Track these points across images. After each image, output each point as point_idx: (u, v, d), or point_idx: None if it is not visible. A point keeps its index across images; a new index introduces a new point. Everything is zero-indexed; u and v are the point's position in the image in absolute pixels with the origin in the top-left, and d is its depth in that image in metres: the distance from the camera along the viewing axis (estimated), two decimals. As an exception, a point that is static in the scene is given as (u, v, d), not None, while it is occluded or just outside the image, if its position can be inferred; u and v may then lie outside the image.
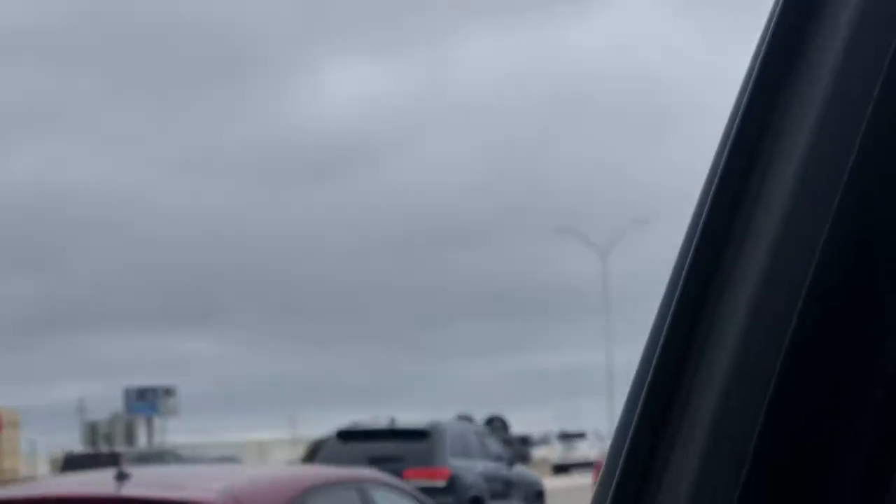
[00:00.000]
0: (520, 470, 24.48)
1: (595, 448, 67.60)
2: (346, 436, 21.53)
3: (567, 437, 75.14)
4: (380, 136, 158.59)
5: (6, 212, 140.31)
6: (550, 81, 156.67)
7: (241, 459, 55.05)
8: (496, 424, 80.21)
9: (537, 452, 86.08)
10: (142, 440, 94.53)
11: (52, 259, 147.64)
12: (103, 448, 69.11)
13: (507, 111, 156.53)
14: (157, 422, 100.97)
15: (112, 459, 31.48)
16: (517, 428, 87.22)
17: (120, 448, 64.14)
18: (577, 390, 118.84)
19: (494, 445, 24.00)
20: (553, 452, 71.05)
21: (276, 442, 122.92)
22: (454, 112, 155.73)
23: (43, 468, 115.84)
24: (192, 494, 7.32)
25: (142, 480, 7.63)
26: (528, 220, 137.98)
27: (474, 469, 20.56)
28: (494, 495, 21.01)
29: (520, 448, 77.91)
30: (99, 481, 7.79)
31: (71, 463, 35.20)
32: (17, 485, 8.17)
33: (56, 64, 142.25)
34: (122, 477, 7.24)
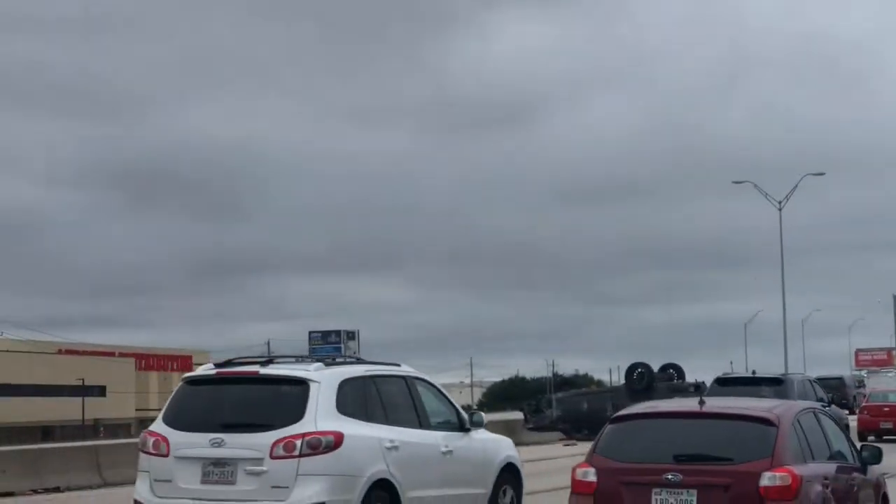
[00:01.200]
0: (835, 409, 30.16)
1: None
2: (723, 381, 28.44)
3: None
4: (552, 89, 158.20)
5: (196, 161, 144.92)
6: (724, 34, 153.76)
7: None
8: (670, 372, 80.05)
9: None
10: None
11: (242, 206, 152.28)
12: None
13: (679, 63, 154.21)
14: None
15: None
16: (691, 376, 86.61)
17: None
18: (751, 340, 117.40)
19: (819, 391, 30.23)
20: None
21: (455, 386, 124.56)
22: (625, 64, 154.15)
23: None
24: (757, 412, 11.60)
25: (717, 404, 12.01)
26: (703, 172, 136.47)
27: None
28: None
29: (696, 395, 77.69)
30: (688, 403, 12.23)
31: None
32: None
33: (238, 18, 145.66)
34: (701, 402, 11.75)
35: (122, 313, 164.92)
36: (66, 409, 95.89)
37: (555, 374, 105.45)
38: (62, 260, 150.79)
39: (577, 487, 11.55)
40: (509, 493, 15.63)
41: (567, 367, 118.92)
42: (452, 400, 15.50)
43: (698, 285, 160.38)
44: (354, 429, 13.02)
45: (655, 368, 75.71)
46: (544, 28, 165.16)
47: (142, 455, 13.18)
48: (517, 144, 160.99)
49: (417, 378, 14.95)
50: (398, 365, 14.95)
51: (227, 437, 12.67)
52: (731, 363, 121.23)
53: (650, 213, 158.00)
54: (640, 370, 72.88)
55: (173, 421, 13.18)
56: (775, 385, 27.37)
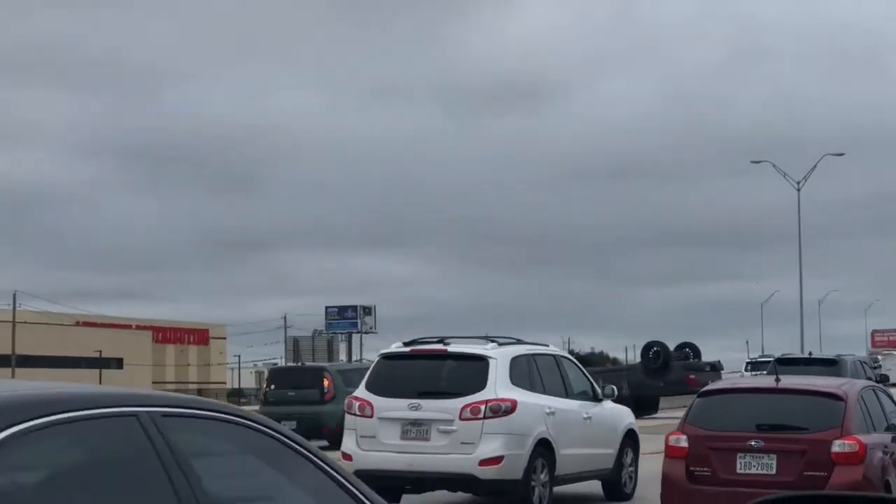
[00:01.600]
0: (882, 387, 34.68)
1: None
2: (782, 361, 30.32)
3: (756, 365, 76.27)
4: (570, 67, 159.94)
5: (212, 137, 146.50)
6: (742, 13, 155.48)
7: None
8: (686, 351, 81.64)
9: (727, 379, 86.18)
10: (341, 356, 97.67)
11: (258, 182, 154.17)
12: (305, 363, 72.89)
13: (697, 42, 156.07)
14: (355, 339, 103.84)
15: (316, 373, 32.97)
16: (707, 355, 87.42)
17: (321, 363, 67.13)
18: (767, 320, 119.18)
19: (868, 371, 32.71)
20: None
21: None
22: (641, 46, 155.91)
23: (247, 381, 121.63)
24: (827, 388, 13.47)
25: (791, 381, 14.11)
26: (721, 152, 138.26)
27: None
28: None
29: (712, 374, 79.53)
30: (766, 381, 14.22)
31: (276, 376, 35.35)
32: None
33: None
34: (777, 380, 13.70)
35: (139, 286, 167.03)
36: (83, 381, 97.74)
37: (570, 352, 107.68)
38: (80, 233, 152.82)
39: (671, 452, 13.43)
40: (630, 453, 18.67)
41: (583, 345, 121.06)
42: (588, 375, 18.53)
43: (715, 265, 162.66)
44: (524, 397, 16.00)
45: (671, 347, 77.38)
46: (562, 7, 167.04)
47: (348, 416, 15.96)
48: (534, 122, 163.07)
49: (563, 356, 18.16)
50: (547, 345, 18.11)
51: (423, 402, 15.65)
52: (748, 343, 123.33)
53: (667, 192, 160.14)
54: (655, 349, 74.57)
55: (375, 388, 16.19)
56: (830, 365, 29.55)
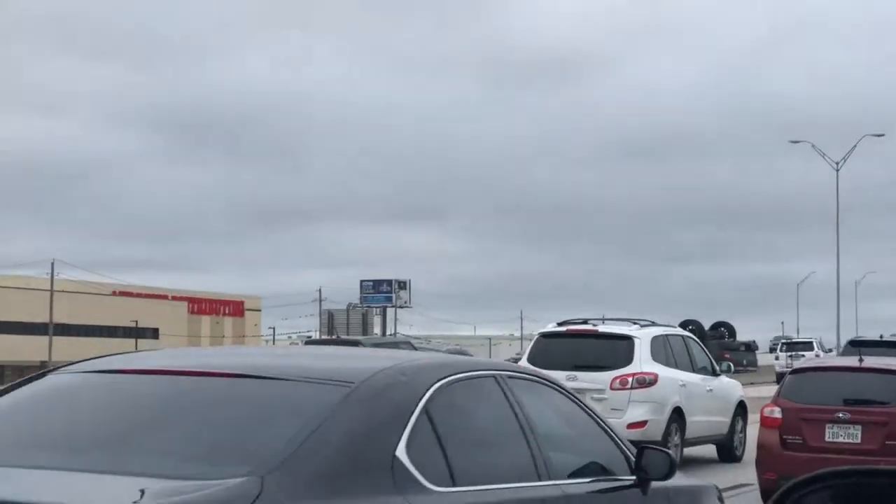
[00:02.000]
0: None
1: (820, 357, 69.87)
2: (854, 343, 31.44)
3: (792, 346, 77.50)
4: (608, 44, 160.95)
5: (249, 107, 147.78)
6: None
7: (470, 353, 59.96)
8: (721, 330, 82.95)
9: (762, 359, 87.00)
10: (376, 330, 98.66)
11: (295, 153, 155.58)
12: (341, 335, 73.72)
13: (736, 20, 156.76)
14: (390, 313, 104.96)
15: (350, 346, 36.30)
16: (742, 335, 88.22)
17: (355, 336, 67.71)
18: (803, 301, 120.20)
19: None
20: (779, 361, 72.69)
21: (505, 338, 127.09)
22: (682, 22, 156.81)
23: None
24: None
25: (873, 361, 15.40)
26: (759, 131, 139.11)
27: None
28: None
29: (745, 354, 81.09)
30: (850, 360, 15.48)
31: None
32: None
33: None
34: (861, 360, 15.12)
35: (176, 257, 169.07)
36: (119, 351, 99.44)
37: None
38: (118, 203, 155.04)
39: (766, 422, 15.13)
40: (741, 421, 20.80)
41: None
42: (708, 352, 21.47)
43: (751, 244, 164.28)
44: (662, 371, 18.93)
45: (706, 326, 78.86)
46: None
47: None
48: (571, 97, 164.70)
49: (689, 336, 21.16)
50: (675, 327, 21.36)
51: (579, 374, 18.63)
52: (783, 323, 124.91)
53: (706, 170, 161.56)
54: (690, 327, 76.31)
55: (536, 362, 18.87)
56: None
